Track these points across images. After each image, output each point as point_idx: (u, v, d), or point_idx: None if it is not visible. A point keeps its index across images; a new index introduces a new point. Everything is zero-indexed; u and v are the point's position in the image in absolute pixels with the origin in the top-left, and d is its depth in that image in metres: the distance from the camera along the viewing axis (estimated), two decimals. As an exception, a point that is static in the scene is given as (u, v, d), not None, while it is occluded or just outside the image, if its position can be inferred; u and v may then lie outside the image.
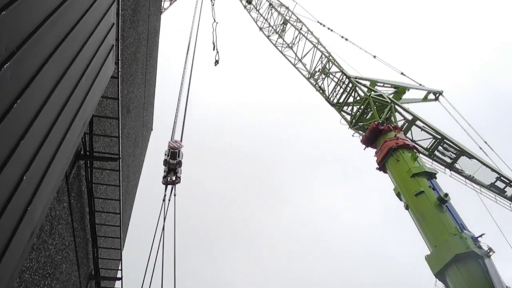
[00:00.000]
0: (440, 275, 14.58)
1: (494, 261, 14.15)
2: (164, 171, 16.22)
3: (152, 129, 27.68)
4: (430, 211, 15.26)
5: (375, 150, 18.80)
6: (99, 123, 11.08)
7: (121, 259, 15.22)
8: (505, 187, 20.25)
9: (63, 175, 5.15)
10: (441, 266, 14.30)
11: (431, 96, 23.83)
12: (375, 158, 18.48)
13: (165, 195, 15.74)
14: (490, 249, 14.15)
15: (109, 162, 12.28)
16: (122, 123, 11.07)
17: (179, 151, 16.51)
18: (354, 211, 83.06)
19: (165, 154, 16.48)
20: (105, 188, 13.25)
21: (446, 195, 15.71)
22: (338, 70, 22.75)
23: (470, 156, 19.85)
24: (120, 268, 15.36)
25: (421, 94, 23.79)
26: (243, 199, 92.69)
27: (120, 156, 10.91)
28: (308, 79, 24.23)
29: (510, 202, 20.45)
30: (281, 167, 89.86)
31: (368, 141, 19.22)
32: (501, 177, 20.17)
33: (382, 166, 17.94)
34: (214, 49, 29.87)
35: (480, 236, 14.67)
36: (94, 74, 5.60)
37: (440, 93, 23.64)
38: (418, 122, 20.34)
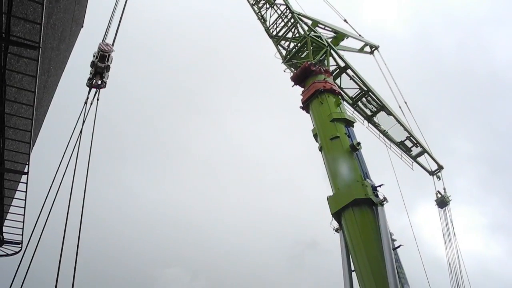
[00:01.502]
0: (336, 215, 15.53)
1: (386, 210, 15.26)
2: (90, 73, 15.48)
3: (82, 26, 25.40)
4: (341, 156, 15.88)
5: (302, 89, 18.87)
6: (21, 6, 9.92)
7: (29, 154, 14.29)
8: (412, 147, 21.71)
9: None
10: (340, 207, 15.18)
11: (367, 49, 24.18)
12: (301, 97, 18.59)
13: (87, 98, 15.07)
14: (385, 199, 15.20)
15: (28, 50, 11.15)
16: (48, 10, 9.88)
17: (109, 55, 15.70)
18: (280, 143, 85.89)
19: (94, 56, 15.62)
20: (21, 78, 12.12)
21: (359, 143, 16.40)
22: (284, 3, 22.01)
23: (389, 113, 20.76)
24: (27, 163, 14.48)
25: (359, 44, 24.03)
26: (171, 111, 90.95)
27: (41, 45, 9.90)
28: (252, 5, 23.23)
29: (413, 161, 22.06)
30: (216, 86, 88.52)
31: (298, 79, 19.20)
32: (411, 137, 21.53)
33: (306, 106, 18.14)
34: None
35: (379, 186, 15.66)
36: None
37: (376, 48, 24.03)
38: (349, 71, 20.65)
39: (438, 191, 22.31)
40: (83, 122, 14.60)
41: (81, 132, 14.27)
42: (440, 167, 23.23)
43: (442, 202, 22.03)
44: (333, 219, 15.76)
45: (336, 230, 15.76)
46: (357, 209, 14.97)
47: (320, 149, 16.84)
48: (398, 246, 15.23)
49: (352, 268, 15.04)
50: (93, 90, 15.36)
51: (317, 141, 17.22)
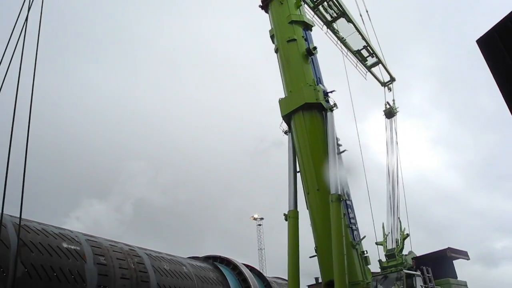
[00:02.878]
0: (287, 117, 15.83)
1: (335, 116, 15.67)
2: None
3: None
4: (296, 59, 15.77)
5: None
6: None
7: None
8: (367, 56, 21.81)
9: None
10: (290, 110, 15.43)
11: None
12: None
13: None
14: (335, 105, 15.54)
15: None
16: None
17: None
18: (244, 42, 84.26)
19: None
20: None
21: (315, 48, 16.26)
22: None
23: (349, 20, 20.38)
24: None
25: None
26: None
27: None
28: None
29: (367, 71, 22.33)
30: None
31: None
32: (368, 47, 21.52)
33: (266, 5, 17.43)
34: None
35: (331, 92, 15.90)
36: None
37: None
38: (312, -28, 19.68)
39: (387, 102, 23.02)
40: (29, 8, 13.31)
41: (26, 20, 13.09)
42: (392, 79, 23.72)
43: (390, 113, 22.84)
44: (283, 121, 16.09)
45: (285, 132, 16.17)
46: (307, 113, 15.28)
47: (276, 51, 16.60)
48: (343, 151, 15.96)
49: (298, 170, 15.73)
50: None
51: (273, 42, 16.89)
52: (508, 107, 3.87)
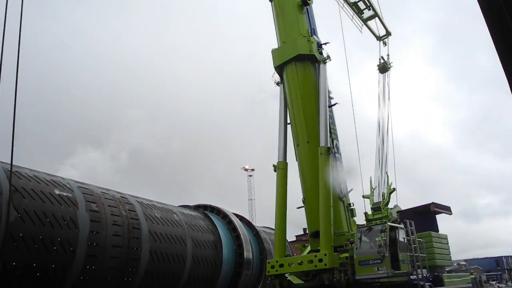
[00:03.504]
0: (279, 68, 15.66)
1: (329, 69, 15.55)
2: None
3: None
4: (291, 8, 15.39)
5: None
6: None
7: None
8: (364, 9, 21.33)
9: None
10: (283, 60, 15.25)
11: None
12: None
13: None
14: (328, 57, 15.39)
15: None
16: None
17: None
18: None
19: None
20: None
21: (311, -2, 15.84)
22: None
23: (347, -31, 19.77)
24: None
25: None
26: None
27: None
28: None
29: (363, 24, 21.91)
30: None
31: None
32: (365, -1, 21.01)
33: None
34: None
35: (325, 44, 15.69)
36: None
37: None
38: None
39: (382, 57, 22.73)
40: None
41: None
42: (388, 33, 23.31)
43: (384, 67, 22.57)
44: (276, 72, 15.93)
45: (277, 84, 16.06)
46: (300, 64, 15.12)
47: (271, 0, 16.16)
48: (334, 104, 15.99)
49: (288, 121, 15.78)
50: None
51: (268, -9, 16.40)
52: (502, 66, 3.85)
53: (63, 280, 13.18)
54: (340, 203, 13.95)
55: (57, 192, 13.62)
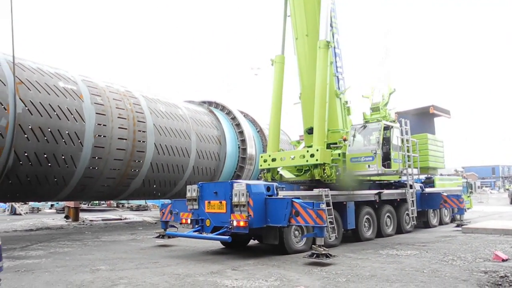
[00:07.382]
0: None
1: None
2: None
3: None
4: None
5: None
6: None
7: None
8: None
9: None
10: None
11: None
12: None
13: None
14: None
15: None
16: None
17: None
18: None
19: None
20: None
21: None
22: None
23: None
24: None
25: None
26: None
27: None
28: None
29: None
30: None
31: None
32: None
33: None
34: None
35: None
36: None
37: None
38: None
39: None
40: None
41: None
42: None
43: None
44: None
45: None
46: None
47: None
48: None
49: (288, 14, 14.95)
50: None
51: None
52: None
53: (73, 170, 14.12)
54: (337, 100, 13.86)
55: (61, 84, 13.99)
